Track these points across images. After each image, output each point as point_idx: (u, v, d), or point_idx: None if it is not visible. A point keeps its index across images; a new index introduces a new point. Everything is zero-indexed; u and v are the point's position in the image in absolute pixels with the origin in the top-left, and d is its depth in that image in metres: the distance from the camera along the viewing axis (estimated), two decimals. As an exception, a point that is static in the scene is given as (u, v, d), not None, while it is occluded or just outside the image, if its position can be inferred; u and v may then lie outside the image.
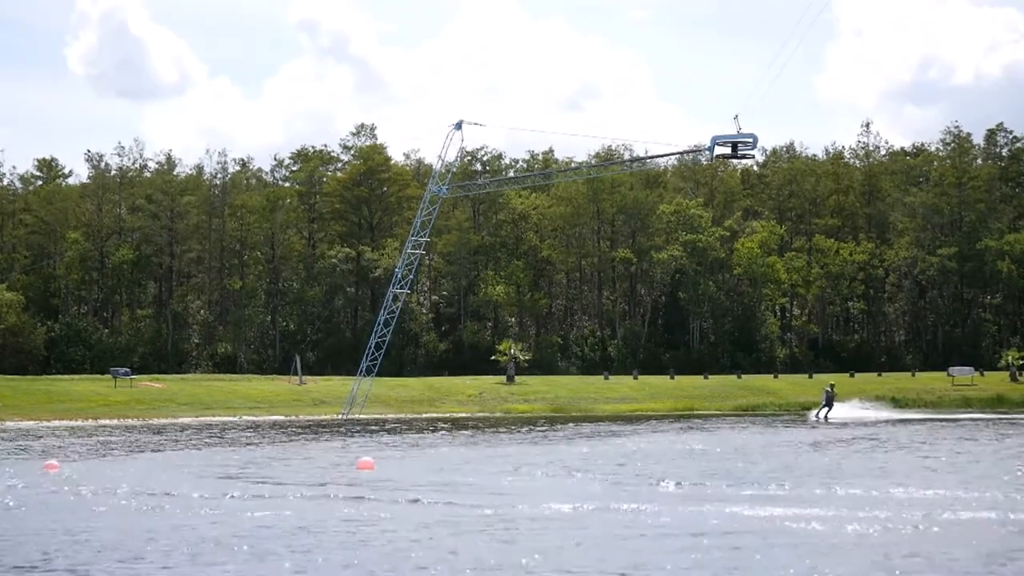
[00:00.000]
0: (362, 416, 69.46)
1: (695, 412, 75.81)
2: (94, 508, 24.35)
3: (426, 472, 32.20)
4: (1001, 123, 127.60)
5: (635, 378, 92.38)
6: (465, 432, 53.19)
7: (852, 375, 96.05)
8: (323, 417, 69.28)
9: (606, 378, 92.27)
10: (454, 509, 24.02)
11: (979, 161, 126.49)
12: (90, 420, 63.64)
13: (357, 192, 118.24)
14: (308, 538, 20.11)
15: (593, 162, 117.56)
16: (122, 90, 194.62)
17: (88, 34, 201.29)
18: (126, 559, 18.38)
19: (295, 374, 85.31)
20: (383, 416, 70.16)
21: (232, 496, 26.36)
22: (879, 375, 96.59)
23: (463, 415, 72.21)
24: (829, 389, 67.73)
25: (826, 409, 65.63)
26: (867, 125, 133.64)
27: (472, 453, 40.55)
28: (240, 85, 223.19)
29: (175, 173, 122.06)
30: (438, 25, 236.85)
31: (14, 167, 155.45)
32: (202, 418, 66.71)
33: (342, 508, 24.35)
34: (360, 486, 28.40)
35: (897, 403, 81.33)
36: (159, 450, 42.52)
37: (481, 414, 73.58)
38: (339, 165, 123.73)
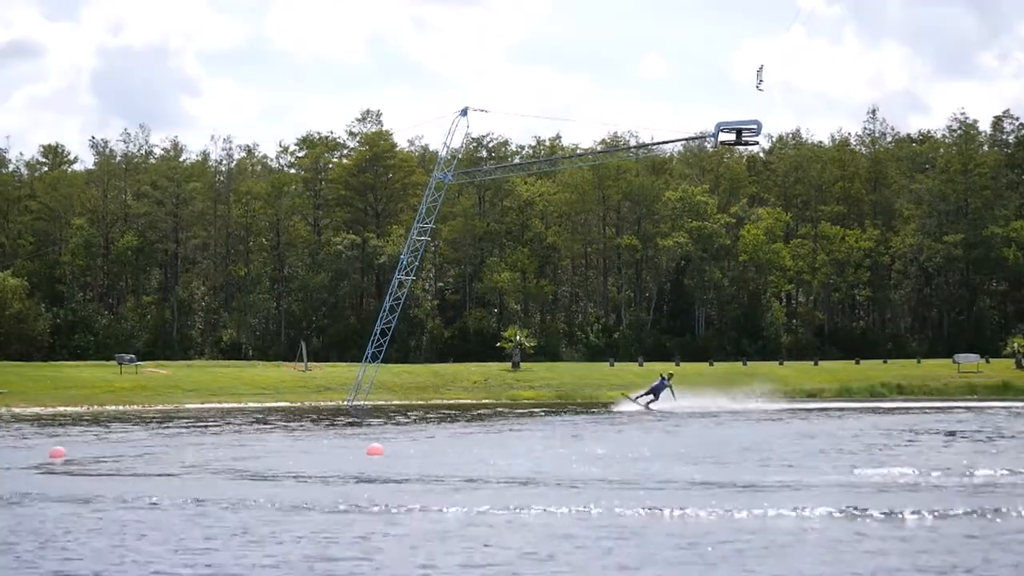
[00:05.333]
0: (367, 402, 69.46)
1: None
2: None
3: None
4: (1007, 109, 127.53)
5: (640, 365, 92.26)
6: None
7: (858, 362, 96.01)
8: (329, 403, 69.34)
9: (611, 365, 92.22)
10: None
11: (985, 148, 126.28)
12: (95, 406, 63.73)
13: (362, 178, 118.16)
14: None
15: (599, 148, 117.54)
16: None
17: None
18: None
19: (300, 360, 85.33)
20: (412, 402, 70.20)
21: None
22: (884, 362, 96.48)
23: (470, 401, 72.25)
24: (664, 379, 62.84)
25: (649, 397, 61.69)
26: (873, 112, 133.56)
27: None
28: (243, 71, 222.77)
29: (180, 159, 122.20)
30: (445, 10, 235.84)
31: (20, 153, 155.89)
32: (208, 404, 66.79)
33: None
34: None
35: (902, 390, 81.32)
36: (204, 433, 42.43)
37: (487, 400, 73.66)
38: (344, 151, 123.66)
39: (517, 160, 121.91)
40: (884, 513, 20.15)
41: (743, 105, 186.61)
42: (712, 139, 72.98)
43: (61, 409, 61.55)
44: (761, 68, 61.52)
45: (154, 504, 22.01)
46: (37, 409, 61.22)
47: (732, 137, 64.88)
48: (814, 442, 36.51)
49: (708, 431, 43.77)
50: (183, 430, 44.90)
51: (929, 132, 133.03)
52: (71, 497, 23.06)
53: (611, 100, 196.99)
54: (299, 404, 68.54)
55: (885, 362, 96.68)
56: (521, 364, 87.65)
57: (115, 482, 26.36)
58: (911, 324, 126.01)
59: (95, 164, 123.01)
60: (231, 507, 21.50)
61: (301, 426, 47.83)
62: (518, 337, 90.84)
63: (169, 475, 27.85)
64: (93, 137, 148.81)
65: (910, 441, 37.04)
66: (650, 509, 20.75)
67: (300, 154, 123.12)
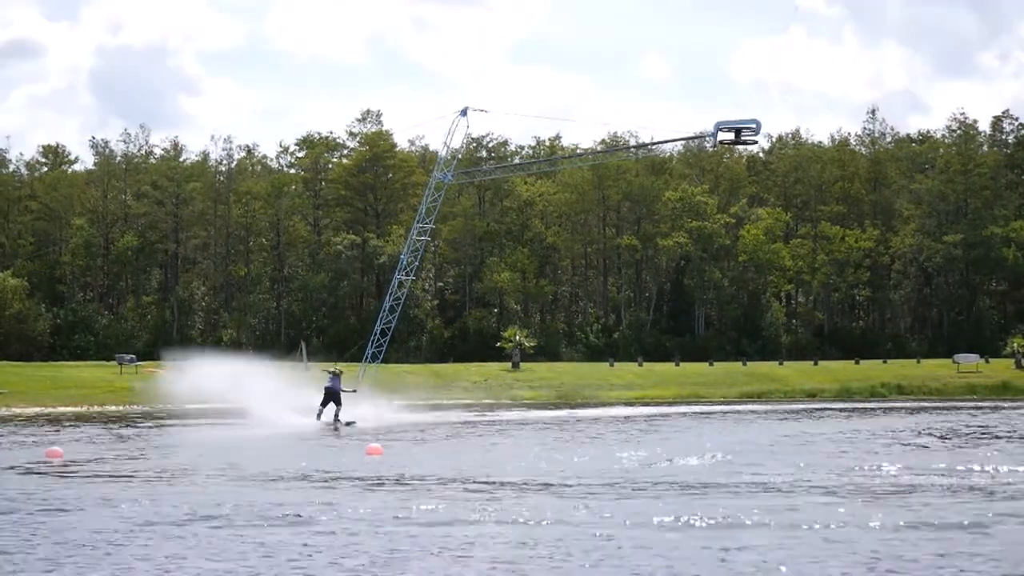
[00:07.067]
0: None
1: (700, 399, 75.81)
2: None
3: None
4: (1007, 110, 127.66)
5: (640, 365, 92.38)
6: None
7: (857, 362, 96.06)
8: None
9: (611, 365, 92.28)
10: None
11: (985, 148, 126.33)
12: (95, 407, 63.73)
13: (362, 179, 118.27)
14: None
15: (599, 148, 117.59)
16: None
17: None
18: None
19: (300, 360, 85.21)
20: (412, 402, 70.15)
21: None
22: (884, 362, 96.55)
23: (470, 401, 72.23)
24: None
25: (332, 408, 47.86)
26: (873, 112, 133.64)
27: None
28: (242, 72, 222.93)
29: (180, 159, 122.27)
30: (445, 10, 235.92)
31: (20, 153, 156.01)
32: (208, 404, 66.62)
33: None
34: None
35: (902, 391, 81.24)
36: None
37: (487, 400, 73.66)
38: (344, 152, 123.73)
39: (517, 160, 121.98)
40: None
41: (743, 105, 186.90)
42: (711, 139, 73.01)
43: (61, 409, 61.55)
44: None
45: (137, 507, 21.97)
46: (37, 409, 61.22)
47: (731, 136, 64.81)
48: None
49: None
50: (183, 430, 44.91)
51: (929, 132, 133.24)
52: (53, 500, 23.05)
53: (611, 100, 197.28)
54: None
55: (885, 362, 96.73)
56: (521, 364, 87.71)
57: (106, 484, 26.27)
58: (911, 324, 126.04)
59: (95, 164, 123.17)
60: (212, 511, 21.13)
61: (301, 425, 47.69)
62: (518, 337, 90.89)
63: (162, 476, 27.79)
64: (93, 137, 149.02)
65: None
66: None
67: (300, 154, 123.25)
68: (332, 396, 47.65)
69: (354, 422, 46.82)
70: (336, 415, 47.38)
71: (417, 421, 49.82)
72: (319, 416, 47.43)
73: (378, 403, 53.75)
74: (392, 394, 59.68)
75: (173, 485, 25.63)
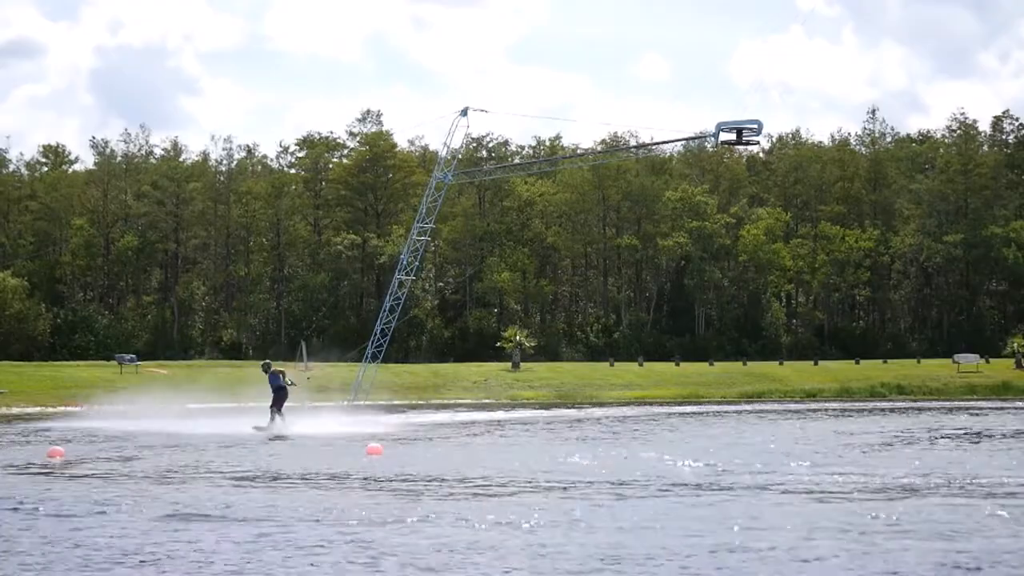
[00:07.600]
0: (367, 402, 69.40)
1: (700, 399, 75.82)
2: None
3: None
4: (1007, 110, 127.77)
5: (640, 365, 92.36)
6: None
7: (858, 362, 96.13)
8: (328, 404, 69.20)
9: (611, 365, 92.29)
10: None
11: (985, 148, 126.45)
12: (96, 407, 63.63)
13: (363, 179, 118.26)
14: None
15: (599, 148, 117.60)
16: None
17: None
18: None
19: (300, 360, 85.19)
20: (412, 402, 70.20)
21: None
22: (884, 362, 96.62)
23: (470, 401, 72.23)
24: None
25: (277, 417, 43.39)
26: (873, 112, 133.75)
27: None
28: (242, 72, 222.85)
29: (181, 159, 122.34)
30: (445, 10, 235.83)
31: (20, 153, 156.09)
32: (207, 404, 66.64)
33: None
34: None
35: (902, 391, 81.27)
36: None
37: (487, 400, 73.68)
38: (345, 152, 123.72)
39: (517, 160, 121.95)
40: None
41: (742, 105, 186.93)
42: (712, 139, 72.97)
43: (62, 409, 61.53)
44: None
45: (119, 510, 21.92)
46: (37, 409, 61.21)
47: (733, 137, 64.66)
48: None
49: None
50: (182, 430, 44.83)
51: (929, 132, 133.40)
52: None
53: (611, 100, 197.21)
54: (298, 405, 68.37)
55: (885, 362, 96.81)
56: (521, 364, 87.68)
57: (106, 483, 26.27)
58: (911, 324, 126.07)
59: (95, 164, 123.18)
60: (203, 513, 21.03)
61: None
62: (518, 337, 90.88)
63: (159, 476, 27.76)
64: (93, 137, 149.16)
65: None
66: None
67: (300, 154, 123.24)
68: (283, 395, 43.94)
69: (262, 427, 42.99)
70: (277, 412, 43.52)
71: (414, 422, 49.79)
72: (273, 419, 43.56)
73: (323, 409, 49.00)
74: (380, 394, 58.71)
75: (170, 484, 25.59)
